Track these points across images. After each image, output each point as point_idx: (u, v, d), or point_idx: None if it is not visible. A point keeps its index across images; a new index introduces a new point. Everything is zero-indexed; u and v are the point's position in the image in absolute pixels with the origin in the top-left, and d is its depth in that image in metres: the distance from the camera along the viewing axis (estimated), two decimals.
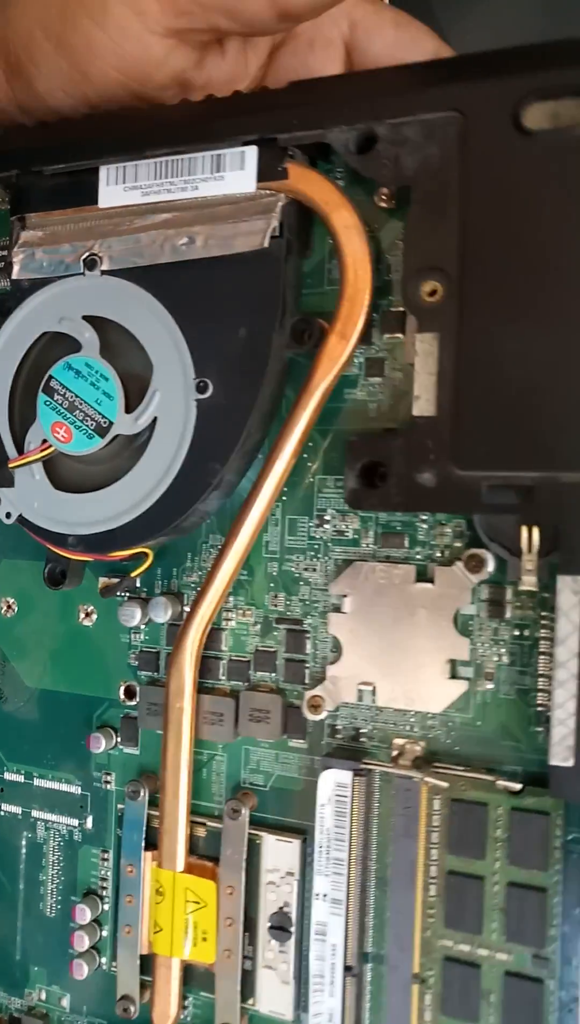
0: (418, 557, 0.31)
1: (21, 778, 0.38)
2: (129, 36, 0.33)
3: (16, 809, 0.38)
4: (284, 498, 0.33)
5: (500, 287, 0.28)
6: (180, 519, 0.33)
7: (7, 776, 0.38)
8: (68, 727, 0.37)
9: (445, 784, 0.30)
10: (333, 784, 0.31)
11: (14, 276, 0.36)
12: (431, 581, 0.30)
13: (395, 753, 0.31)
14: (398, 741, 0.31)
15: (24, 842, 0.38)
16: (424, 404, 0.29)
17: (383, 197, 0.31)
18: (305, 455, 0.33)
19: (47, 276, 0.35)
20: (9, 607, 0.38)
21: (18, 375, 0.36)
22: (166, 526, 0.33)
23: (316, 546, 0.33)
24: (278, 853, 0.32)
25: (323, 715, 0.32)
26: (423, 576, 0.30)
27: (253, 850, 0.33)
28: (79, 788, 0.37)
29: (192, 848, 0.34)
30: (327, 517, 0.32)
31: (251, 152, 0.32)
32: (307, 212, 0.32)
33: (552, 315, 0.27)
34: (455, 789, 0.30)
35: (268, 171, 0.32)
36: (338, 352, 0.31)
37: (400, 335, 0.31)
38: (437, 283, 0.29)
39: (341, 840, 0.31)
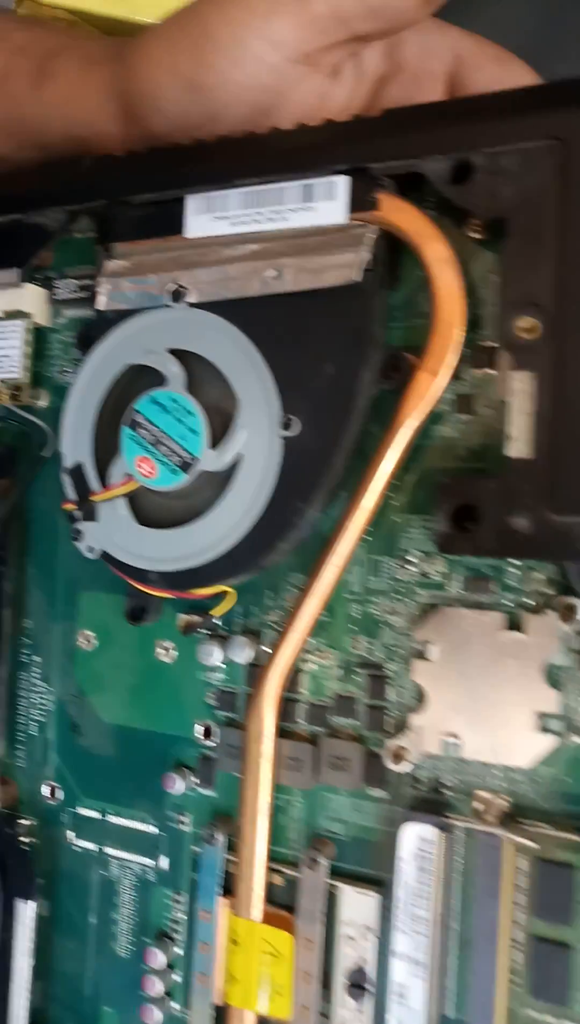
0: (507, 604, 0.30)
1: (96, 814, 0.38)
2: (266, 68, 0.33)
3: (91, 845, 0.38)
4: (368, 537, 0.32)
5: None
6: (263, 558, 0.32)
7: (82, 811, 0.38)
8: (144, 765, 0.37)
9: (531, 843, 0.29)
10: (416, 839, 0.30)
11: (100, 307, 0.36)
12: (521, 630, 0.29)
13: (479, 807, 0.30)
14: (483, 795, 0.30)
15: (97, 880, 0.38)
16: (519, 445, 0.28)
17: (475, 228, 0.30)
18: (390, 493, 0.32)
19: (133, 307, 0.35)
20: (88, 640, 0.38)
21: (103, 408, 0.36)
22: (248, 565, 0.32)
23: (400, 588, 0.32)
24: (356, 906, 0.31)
25: (406, 766, 0.31)
26: (512, 624, 0.29)
27: (330, 900, 0.32)
28: (154, 828, 0.36)
29: (269, 896, 0.33)
30: (412, 558, 0.31)
31: (342, 182, 0.31)
32: (396, 243, 0.31)
33: None
34: (542, 849, 0.28)
35: (359, 201, 0.31)
36: (427, 389, 0.30)
37: (492, 371, 0.30)
38: (534, 319, 0.28)
39: (423, 898, 0.30)
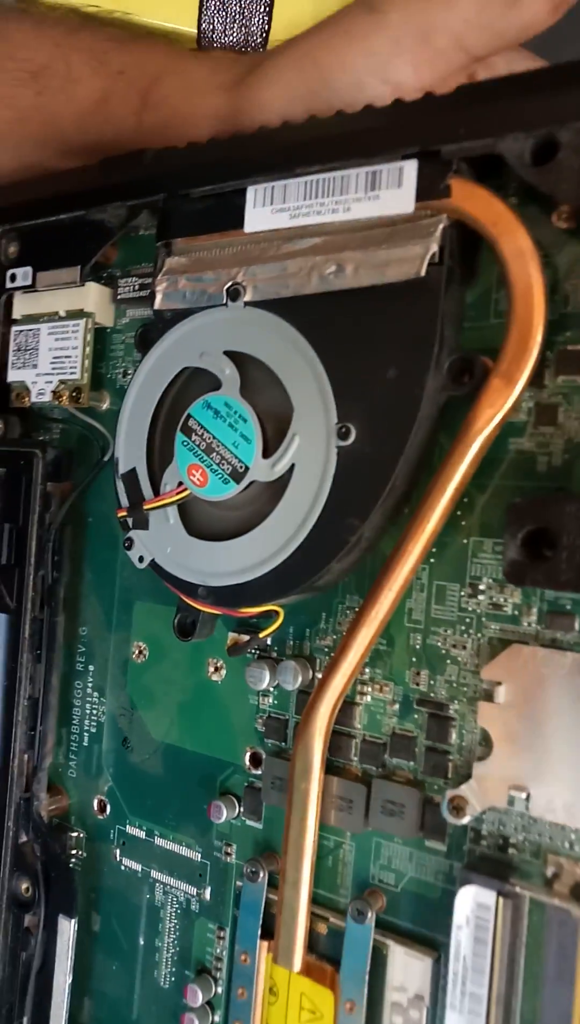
0: None
1: (142, 834, 0.33)
2: None
3: (136, 866, 0.33)
4: (432, 560, 0.26)
5: None
6: (313, 578, 0.27)
7: (129, 830, 0.33)
8: (191, 788, 0.31)
9: None
10: (473, 903, 0.24)
11: (156, 306, 0.31)
12: None
13: (551, 872, 0.24)
14: (555, 859, 0.24)
15: (142, 902, 0.33)
16: None
17: (563, 216, 0.24)
18: (458, 512, 0.26)
19: (189, 306, 0.30)
20: (141, 652, 0.33)
21: (157, 412, 0.31)
22: (298, 584, 0.27)
23: (467, 619, 0.26)
24: (407, 969, 0.26)
25: (467, 819, 0.25)
26: None
27: (378, 959, 0.26)
28: (199, 855, 0.31)
29: (311, 945, 0.28)
30: (482, 587, 0.25)
31: (410, 167, 0.26)
32: (473, 234, 0.25)
33: None
34: None
35: (429, 188, 0.25)
36: (502, 397, 0.24)
37: (578, 378, 0.24)
38: None
39: (480, 972, 0.24)
